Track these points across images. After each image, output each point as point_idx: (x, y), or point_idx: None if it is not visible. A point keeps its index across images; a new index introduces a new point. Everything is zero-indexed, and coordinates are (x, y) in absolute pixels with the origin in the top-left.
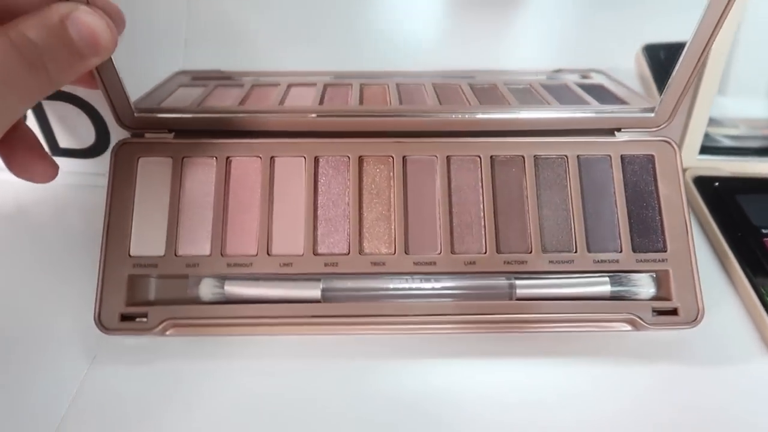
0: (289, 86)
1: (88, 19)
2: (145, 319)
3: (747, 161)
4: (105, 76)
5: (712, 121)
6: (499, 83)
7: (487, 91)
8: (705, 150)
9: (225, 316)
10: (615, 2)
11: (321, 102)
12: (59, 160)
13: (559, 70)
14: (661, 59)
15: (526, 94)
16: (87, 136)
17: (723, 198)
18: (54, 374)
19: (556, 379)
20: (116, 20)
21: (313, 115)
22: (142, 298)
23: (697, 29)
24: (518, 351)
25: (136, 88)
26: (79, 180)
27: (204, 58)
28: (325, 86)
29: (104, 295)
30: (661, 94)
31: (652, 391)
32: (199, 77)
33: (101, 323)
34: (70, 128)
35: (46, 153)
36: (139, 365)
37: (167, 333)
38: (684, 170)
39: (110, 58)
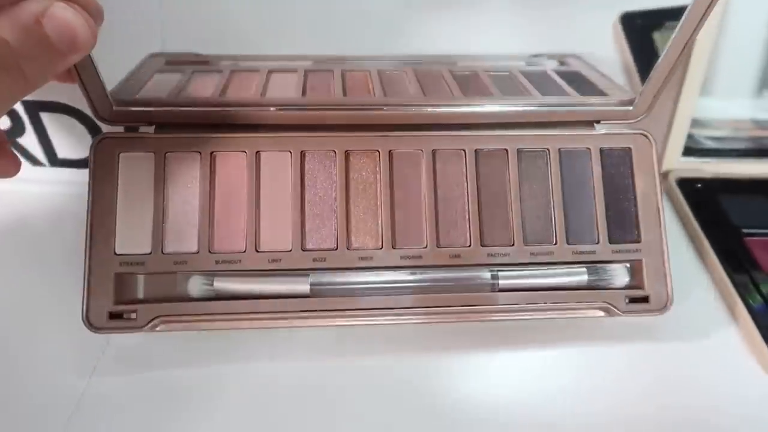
0: (270, 72)
1: (65, 15)
2: (134, 316)
3: (729, 163)
4: (82, 70)
5: (696, 123)
6: (480, 71)
7: (469, 80)
8: (688, 151)
9: (215, 312)
10: None
11: (303, 92)
12: (57, 171)
13: (536, 55)
14: (638, 27)
15: (508, 83)
16: (85, 146)
17: (705, 199)
18: (55, 382)
19: (536, 364)
20: (94, 14)
21: (297, 108)
22: (130, 295)
23: (682, 23)
24: (500, 340)
25: (110, 71)
26: (78, 190)
27: (179, 40)
28: (306, 73)
29: (91, 294)
30: (638, 71)
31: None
32: (173, 61)
33: (89, 322)
34: (68, 139)
35: (9, 149)
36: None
37: (158, 329)
38: (662, 167)
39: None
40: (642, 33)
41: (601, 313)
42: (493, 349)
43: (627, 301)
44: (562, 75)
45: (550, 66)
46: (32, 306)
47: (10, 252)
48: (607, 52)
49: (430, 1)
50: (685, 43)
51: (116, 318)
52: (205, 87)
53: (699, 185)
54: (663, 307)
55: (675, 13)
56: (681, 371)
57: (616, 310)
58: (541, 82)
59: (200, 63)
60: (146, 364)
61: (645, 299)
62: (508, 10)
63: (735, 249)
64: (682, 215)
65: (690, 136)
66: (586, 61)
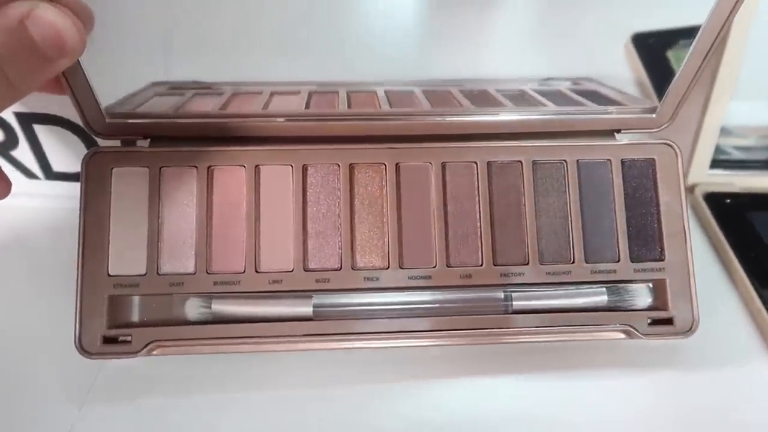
0: (272, 94)
1: (51, 18)
2: (129, 339)
3: (757, 175)
4: (72, 79)
5: (721, 130)
6: (490, 89)
7: (479, 96)
8: (715, 163)
9: (213, 336)
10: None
11: (307, 106)
12: (53, 184)
13: (548, 79)
14: (651, 48)
15: (520, 99)
16: (80, 159)
17: (735, 215)
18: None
19: (555, 392)
20: (83, 17)
21: (300, 119)
22: (124, 319)
23: (705, 25)
24: (515, 364)
25: (112, 98)
26: (74, 204)
27: (183, 70)
28: (311, 94)
29: (84, 318)
30: (654, 89)
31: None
32: (176, 87)
33: (82, 347)
34: (63, 152)
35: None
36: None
37: (153, 353)
38: (688, 181)
39: (77, 60)
40: (655, 52)
41: (622, 336)
42: (505, 374)
43: (649, 322)
44: (578, 92)
45: (564, 86)
46: (27, 322)
47: (6, 266)
48: (620, 73)
49: (440, 25)
50: (711, 44)
51: (110, 342)
52: (204, 105)
53: (728, 200)
54: (688, 330)
55: (688, 33)
56: (708, 399)
57: (636, 332)
58: (555, 97)
59: (203, 88)
60: (141, 389)
61: (669, 321)
62: (517, 35)
63: (767, 269)
64: (711, 233)
65: (716, 147)
66: (601, 82)
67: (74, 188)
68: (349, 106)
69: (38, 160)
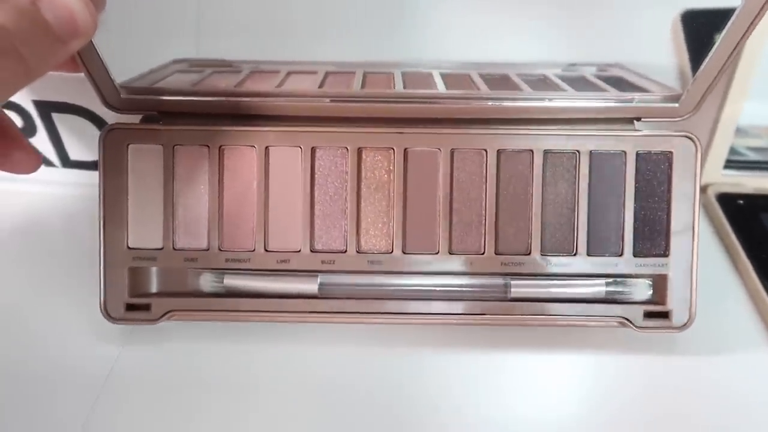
0: (289, 73)
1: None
2: (149, 307)
3: None
4: (87, 58)
5: (736, 131)
6: (511, 74)
7: (499, 80)
8: (728, 164)
9: (225, 309)
10: None
11: (321, 87)
12: (70, 172)
13: (574, 64)
14: (700, 27)
15: (540, 84)
16: (97, 148)
17: (747, 217)
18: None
19: (551, 370)
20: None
21: (310, 98)
22: (144, 288)
23: (741, 8)
24: (511, 342)
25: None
26: (90, 191)
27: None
28: (327, 73)
29: (108, 287)
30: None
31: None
32: (197, 64)
33: (108, 313)
34: (80, 140)
35: (28, 143)
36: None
37: (171, 320)
38: (702, 180)
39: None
40: (703, 33)
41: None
42: (501, 351)
43: (645, 315)
44: (602, 78)
45: (589, 71)
46: (44, 306)
47: (24, 253)
48: (662, 56)
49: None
50: (741, 35)
51: (132, 310)
52: (220, 83)
53: (741, 201)
54: (684, 325)
55: None
56: (714, 399)
57: (632, 325)
58: (577, 83)
59: (223, 66)
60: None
61: (665, 315)
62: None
63: None
64: (723, 234)
65: (730, 147)
66: (630, 69)
67: (90, 176)
68: (363, 86)
69: (56, 148)
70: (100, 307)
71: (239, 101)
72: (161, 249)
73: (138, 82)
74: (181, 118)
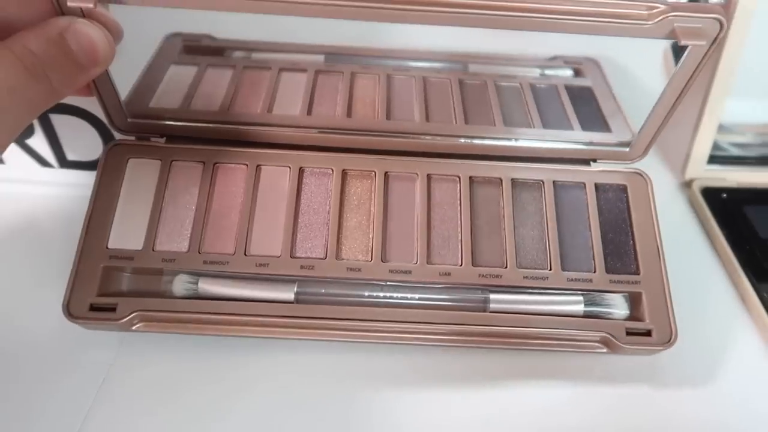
0: (280, 71)
1: (86, 31)
2: (114, 307)
3: (756, 171)
4: (100, 84)
5: (719, 127)
6: (489, 81)
7: (477, 95)
8: (712, 159)
9: (196, 311)
10: None
11: (310, 105)
12: (67, 173)
13: (555, 58)
14: None
15: (513, 103)
16: (94, 148)
17: (731, 210)
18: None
19: (532, 398)
20: (114, 32)
21: (299, 128)
22: (115, 289)
23: (673, 76)
24: (492, 368)
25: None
26: (87, 192)
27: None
28: (316, 74)
29: (76, 285)
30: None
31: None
32: (189, 47)
33: (69, 312)
34: (78, 141)
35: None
36: None
37: (134, 327)
38: (686, 175)
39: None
40: None
41: (603, 348)
42: (481, 379)
43: (627, 332)
44: (572, 92)
45: (563, 77)
46: (39, 306)
47: (19, 253)
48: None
49: None
50: (681, 90)
51: (96, 310)
52: (216, 88)
53: (724, 195)
54: (667, 342)
55: None
56: (701, 390)
57: (616, 341)
58: (547, 103)
59: (215, 52)
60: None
61: (647, 333)
62: None
63: (763, 263)
64: (707, 227)
65: (713, 143)
66: (603, 71)
67: (87, 177)
68: (348, 108)
69: (53, 148)
70: (63, 303)
71: (237, 129)
72: (140, 250)
73: (140, 90)
74: (182, 138)
